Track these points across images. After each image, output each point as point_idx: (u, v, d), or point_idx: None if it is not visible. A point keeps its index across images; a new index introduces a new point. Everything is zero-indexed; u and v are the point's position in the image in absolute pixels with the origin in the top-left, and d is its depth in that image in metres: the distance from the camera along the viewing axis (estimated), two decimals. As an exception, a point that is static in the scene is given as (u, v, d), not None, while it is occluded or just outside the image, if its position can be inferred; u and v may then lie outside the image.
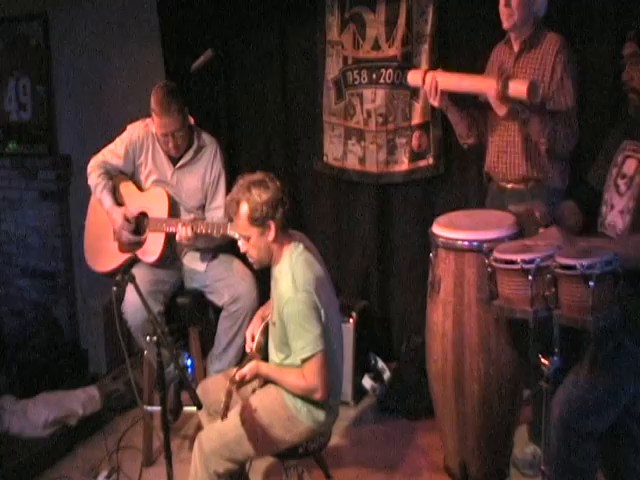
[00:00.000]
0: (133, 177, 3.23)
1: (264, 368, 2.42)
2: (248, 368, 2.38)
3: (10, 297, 4.86)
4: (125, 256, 3.15)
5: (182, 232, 2.95)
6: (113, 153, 3.18)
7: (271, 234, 2.34)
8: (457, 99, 2.95)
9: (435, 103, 2.82)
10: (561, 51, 2.69)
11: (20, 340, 4.41)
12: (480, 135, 3.02)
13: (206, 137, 3.20)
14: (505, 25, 2.75)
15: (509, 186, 2.90)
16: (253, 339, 2.58)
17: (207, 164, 3.16)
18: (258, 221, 2.32)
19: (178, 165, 3.15)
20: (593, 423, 2.16)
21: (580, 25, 3.22)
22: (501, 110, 2.58)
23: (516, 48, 2.83)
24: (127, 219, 3.10)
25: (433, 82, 2.77)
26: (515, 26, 2.73)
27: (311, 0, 3.81)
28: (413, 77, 2.94)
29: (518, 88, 2.51)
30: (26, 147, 4.68)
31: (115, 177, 3.23)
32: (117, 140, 3.19)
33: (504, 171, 2.88)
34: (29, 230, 4.71)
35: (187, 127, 3.08)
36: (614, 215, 2.22)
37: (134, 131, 3.16)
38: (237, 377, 2.34)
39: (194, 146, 3.14)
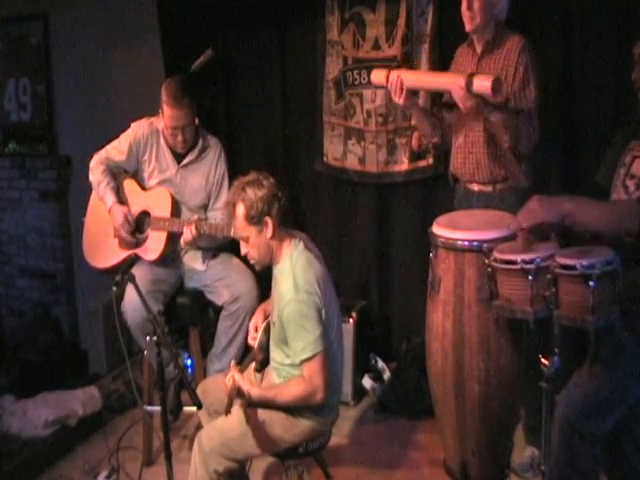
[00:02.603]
0: (136, 175, 3.23)
1: (255, 393, 2.34)
2: (243, 383, 2.32)
3: (10, 297, 4.86)
4: (125, 253, 3.15)
5: (187, 234, 2.96)
6: (116, 150, 3.18)
7: (269, 231, 2.35)
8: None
9: (400, 102, 2.85)
10: (523, 52, 2.73)
11: (20, 340, 4.41)
12: (445, 136, 3.04)
13: (210, 138, 3.22)
14: (468, 28, 2.80)
15: (476, 189, 2.92)
16: (256, 330, 2.58)
17: (211, 164, 3.18)
18: (255, 219, 2.33)
19: (183, 163, 3.16)
20: (597, 425, 2.16)
21: (581, 25, 3.22)
22: (465, 106, 2.60)
23: (479, 50, 2.87)
24: (127, 219, 3.11)
25: (398, 80, 2.80)
26: (477, 28, 2.78)
27: (311, 0, 3.81)
28: (376, 76, 2.96)
29: (482, 83, 2.54)
30: (26, 147, 4.68)
31: (118, 175, 3.23)
32: (121, 137, 3.19)
33: (471, 172, 2.90)
34: (29, 230, 4.72)
35: (195, 124, 3.09)
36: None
37: (138, 129, 3.16)
38: (238, 385, 2.31)
39: (199, 145, 3.15)
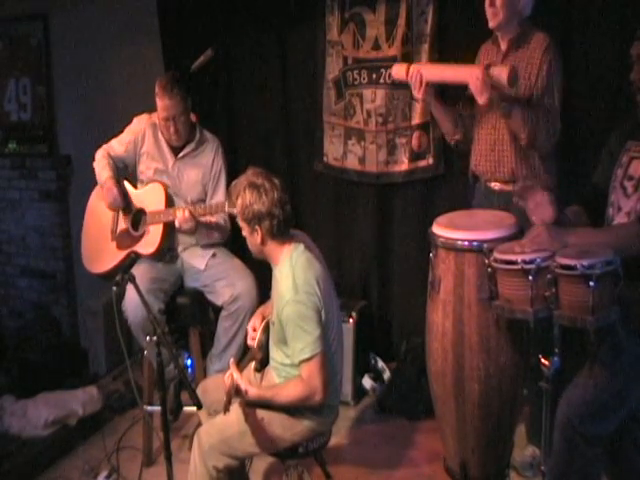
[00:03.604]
0: (134, 169, 3.26)
1: (253, 393, 2.33)
2: (242, 382, 2.32)
3: (10, 297, 4.86)
4: (124, 253, 3.17)
5: (180, 215, 2.99)
6: (119, 142, 3.26)
7: (258, 238, 2.36)
8: (444, 98, 2.98)
9: (419, 95, 2.84)
10: (548, 50, 2.71)
11: (20, 340, 4.41)
12: (467, 133, 3.02)
13: (208, 134, 3.28)
14: (491, 24, 2.79)
15: (497, 187, 2.90)
16: (255, 330, 2.58)
17: (209, 159, 3.22)
18: (246, 221, 2.36)
19: (180, 155, 3.20)
20: (599, 427, 2.15)
21: (581, 24, 3.22)
22: (482, 97, 2.59)
23: (503, 47, 2.85)
24: (119, 193, 3.14)
25: (417, 74, 2.80)
26: (501, 25, 2.77)
27: (311, 0, 3.81)
28: (397, 70, 2.96)
29: (499, 73, 2.56)
30: (26, 147, 4.68)
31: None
32: (125, 130, 3.27)
33: (492, 169, 2.88)
34: (29, 230, 4.71)
35: (189, 116, 3.16)
36: (621, 217, 2.21)
37: (139, 122, 3.25)
38: (236, 383, 2.31)
39: (196, 139, 3.21)
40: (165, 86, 3.05)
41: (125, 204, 3.19)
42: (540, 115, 2.66)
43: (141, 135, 3.21)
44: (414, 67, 2.85)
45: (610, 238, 2.12)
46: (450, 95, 3.17)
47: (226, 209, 2.96)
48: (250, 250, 2.48)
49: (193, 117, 3.21)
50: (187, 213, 2.99)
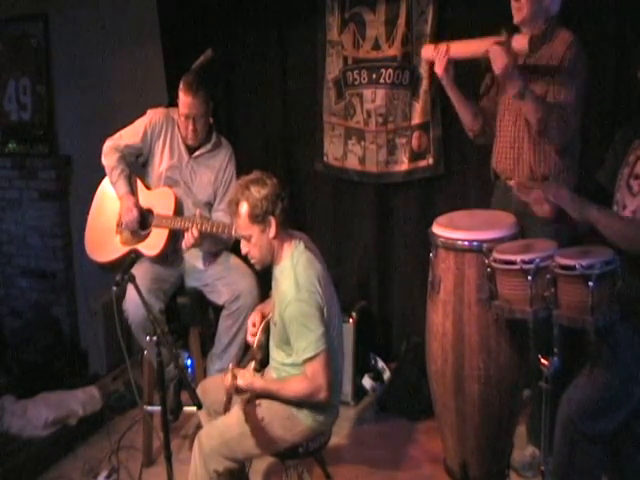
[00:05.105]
0: (147, 160, 3.24)
1: (259, 384, 2.35)
2: (244, 382, 2.33)
3: (10, 297, 4.86)
4: (126, 249, 3.17)
5: (188, 237, 2.99)
6: (131, 132, 3.22)
7: (272, 230, 2.34)
8: (466, 91, 2.97)
9: (439, 71, 2.82)
10: (570, 48, 2.67)
11: (20, 340, 4.40)
12: (486, 126, 2.99)
13: (223, 140, 3.29)
14: (515, 19, 2.74)
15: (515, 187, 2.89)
16: (254, 325, 2.58)
17: (222, 163, 3.23)
18: (259, 218, 2.33)
19: (195, 155, 3.20)
20: (600, 425, 2.16)
21: (583, 22, 3.20)
22: (499, 66, 2.56)
23: None
24: (135, 212, 3.13)
25: (444, 48, 2.80)
26: (525, 20, 2.72)
27: (311, 0, 3.81)
28: (426, 50, 2.94)
29: (520, 39, 2.55)
30: (26, 147, 4.68)
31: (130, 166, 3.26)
32: (137, 121, 3.23)
33: (511, 167, 2.85)
34: (29, 230, 4.71)
35: (209, 119, 3.16)
36: (626, 215, 2.21)
37: (155, 114, 3.23)
38: (235, 383, 2.32)
39: (212, 142, 3.21)
40: (191, 84, 3.05)
41: (139, 222, 3.18)
42: (554, 109, 2.64)
43: (158, 127, 3.19)
44: (442, 43, 2.85)
45: (626, 230, 2.11)
46: (472, 84, 3.15)
47: (233, 233, 2.92)
48: (254, 259, 2.44)
49: (210, 119, 3.20)
50: (196, 233, 2.97)
